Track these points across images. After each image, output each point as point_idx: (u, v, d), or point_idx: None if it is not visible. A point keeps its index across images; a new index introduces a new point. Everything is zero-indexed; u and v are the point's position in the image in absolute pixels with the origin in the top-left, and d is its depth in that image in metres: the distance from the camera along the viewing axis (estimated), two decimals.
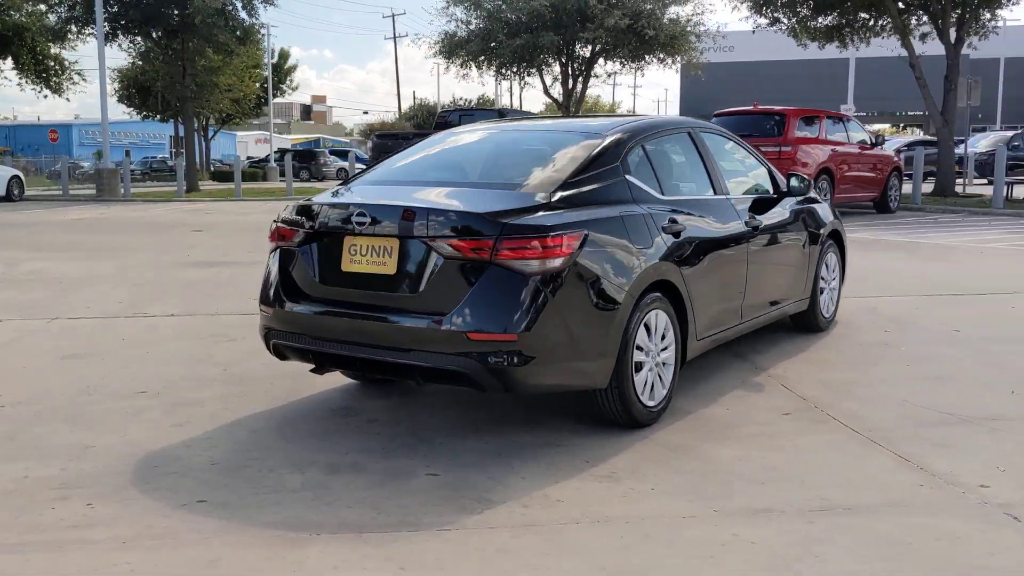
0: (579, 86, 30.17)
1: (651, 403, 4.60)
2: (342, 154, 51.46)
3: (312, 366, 4.74)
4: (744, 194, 5.81)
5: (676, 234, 4.76)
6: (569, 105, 29.92)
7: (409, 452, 4.27)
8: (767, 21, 22.29)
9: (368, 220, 4.24)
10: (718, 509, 3.56)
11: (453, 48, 28.76)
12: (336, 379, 5.46)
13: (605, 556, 3.17)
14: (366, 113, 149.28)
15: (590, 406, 4.56)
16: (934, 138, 35.00)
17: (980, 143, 28.09)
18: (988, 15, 21.38)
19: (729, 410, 4.91)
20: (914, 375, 5.63)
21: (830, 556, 3.14)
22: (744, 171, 6.04)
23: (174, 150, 61.07)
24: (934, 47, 21.75)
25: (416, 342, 4.09)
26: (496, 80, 34.25)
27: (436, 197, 4.38)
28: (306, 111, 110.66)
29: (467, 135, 5.58)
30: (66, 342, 6.69)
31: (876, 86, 43.98)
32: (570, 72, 29.85)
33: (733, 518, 3.48)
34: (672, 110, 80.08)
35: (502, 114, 19.97)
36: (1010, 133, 31.95)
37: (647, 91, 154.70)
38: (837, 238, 6.97)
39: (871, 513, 3.52)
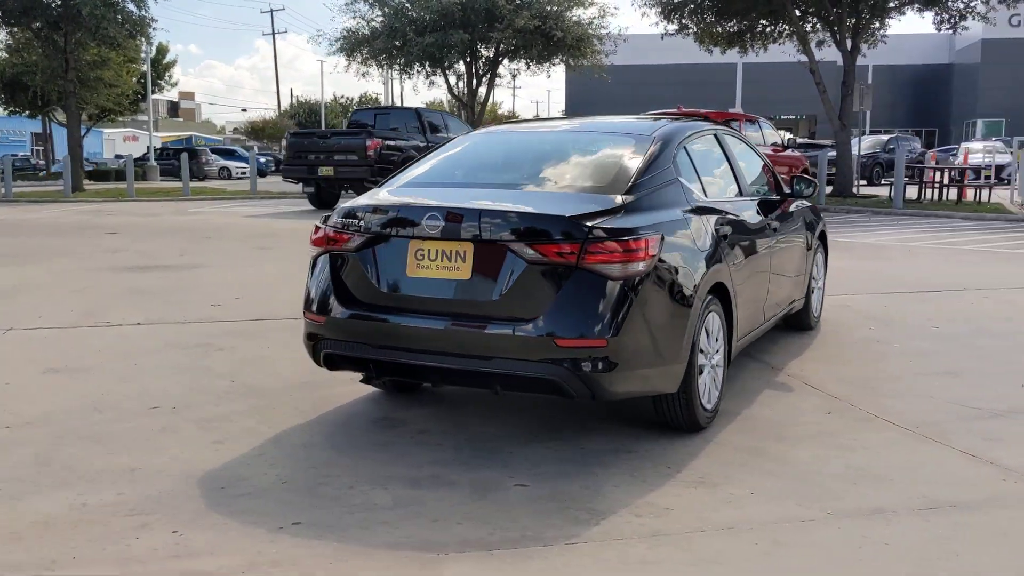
0: (483, 86, 30.14)
1: (709, 406, 4.60)
2: (224, 152, 49.95)
3: (361, 375, 4.57)
4: (751, 196, 5.87)
5: (724, 236, 4.77)
6: (473, 105, 29.84)
7: (485, 463, 4.13)
8: (675, 27, 22.76)
9: (441, 223, 4.08)
10: (831, 511, 3.58)
11: (355, 45, 28.26)
12: (360, 389, 5.27)
13: (751, 564, 3.14)
14: (244, 111, 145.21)
15: (636, 410, 4.55)
16: (812, 140, 36.63)
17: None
18: (878, 24, 22.41)
19: (772, 410, 4.95)
20: (922, 371, 5.81)
21: (968, 554, 3.20)
22: (752, 172, 6.11)
23: (40, 147, 57.84)
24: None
25: (499, 349, 3.97)
26: (397, 78, 33.68)
27: (507, 200, 4.24)
28: (173, 108, 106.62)
29: (498, 136, 5.47)
30: (38, 355, 6.23)
31: (759, 90, 45.66)
32: (475, 72, 29.77)
33: (851, 520, 3.50)
34: (556, 111, 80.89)
35: (419, 114, 19.75)
36: (886, 137, 33.67)
37: (525, 91, 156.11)
38: (823, 239, 7.15)
39: (978, 510, 3.60)
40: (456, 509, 3.61)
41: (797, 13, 22.06)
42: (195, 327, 7.16)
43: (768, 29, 23.34)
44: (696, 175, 4.96)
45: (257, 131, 71.75)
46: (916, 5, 21.63)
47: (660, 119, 5.44)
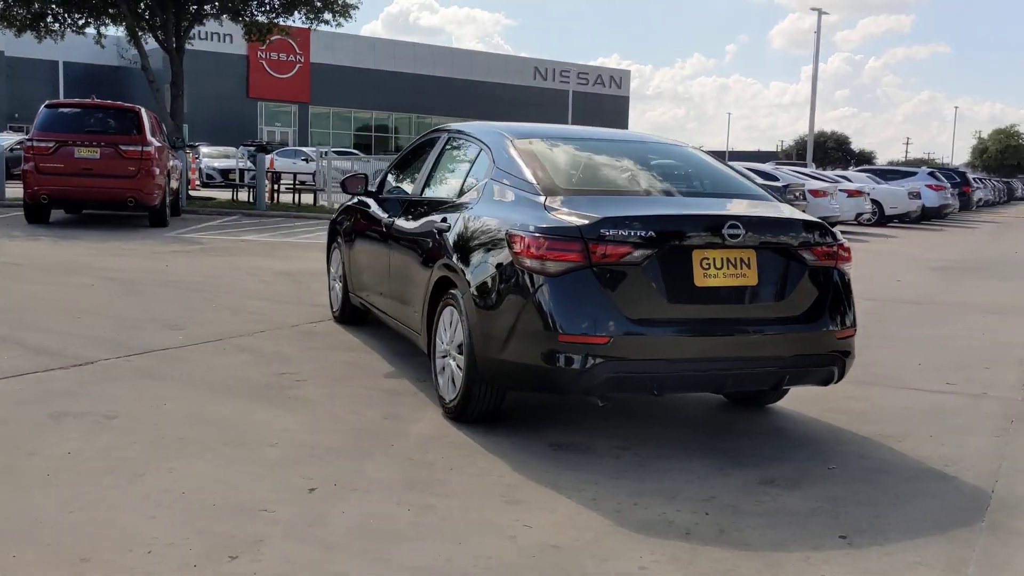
0: None
1: None
2: None
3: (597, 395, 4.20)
4: None
5: None
6: None
7: (764, 469, 4.24)
8: None
9: (742, 232, 4.14)
10: None
11: None
12: (441, 419, 4.65)
13: None
14: None
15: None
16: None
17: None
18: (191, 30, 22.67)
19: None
20: None
21: None
22: None
23: None
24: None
25: (797, 347, 4.28)
26: None
27: (751, 207, 4.55)
28: None
29: (579, 147, 5.35)
30: None
31: (23, 88, 40.95)
32: None
33: None
34: None
35: None
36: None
37: None
38: None
39: None
40: (849, 511, 3.78)
41: (115, 11, 20.97)
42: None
43: (68, 19, 21.63)
44: None
45: None
46: (225, 16, 22.49)
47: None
